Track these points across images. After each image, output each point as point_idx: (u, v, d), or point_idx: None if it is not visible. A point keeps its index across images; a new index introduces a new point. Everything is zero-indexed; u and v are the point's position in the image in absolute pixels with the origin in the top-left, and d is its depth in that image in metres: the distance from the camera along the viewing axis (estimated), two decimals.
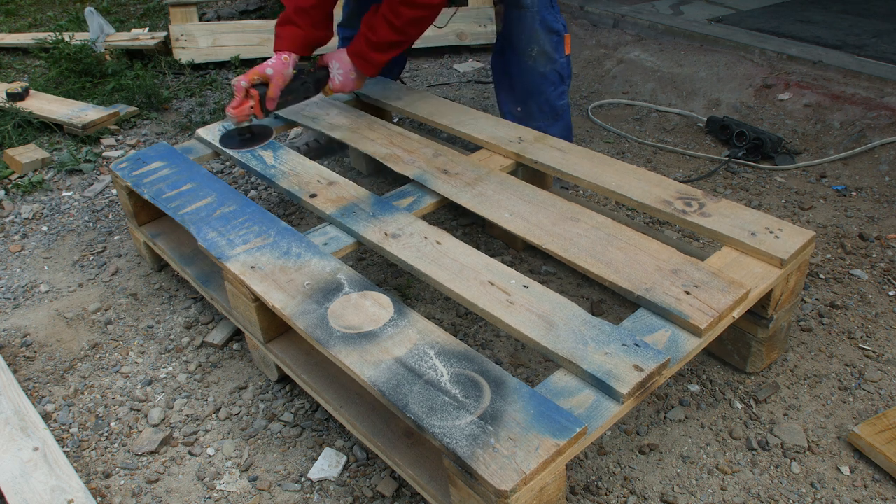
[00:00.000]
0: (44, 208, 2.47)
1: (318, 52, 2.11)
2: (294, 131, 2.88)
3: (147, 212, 2.01)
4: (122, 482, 1.47)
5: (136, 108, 3.11)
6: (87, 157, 2.75)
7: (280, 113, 2.22)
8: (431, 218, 2.21)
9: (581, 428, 1.10)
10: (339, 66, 2.03)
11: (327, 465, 1.46)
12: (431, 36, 3.67)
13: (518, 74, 2.13)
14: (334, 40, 2.19)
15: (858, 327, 1.75)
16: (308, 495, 1.41)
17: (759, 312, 1.50)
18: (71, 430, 1.60)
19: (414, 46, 3.67)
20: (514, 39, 2.09)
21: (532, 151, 1.87)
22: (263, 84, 1.93)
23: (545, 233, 1.56)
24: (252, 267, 1.50)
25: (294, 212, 2.34)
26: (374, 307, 1.36)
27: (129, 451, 1.54)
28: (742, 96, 2.91)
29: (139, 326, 1.90)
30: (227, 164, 2.68)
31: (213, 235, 1.62)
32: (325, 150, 2.45)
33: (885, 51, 3.05)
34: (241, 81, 1.90)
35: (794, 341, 1.72)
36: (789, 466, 1.42)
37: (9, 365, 1.76)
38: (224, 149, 2.00)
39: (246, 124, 1.99)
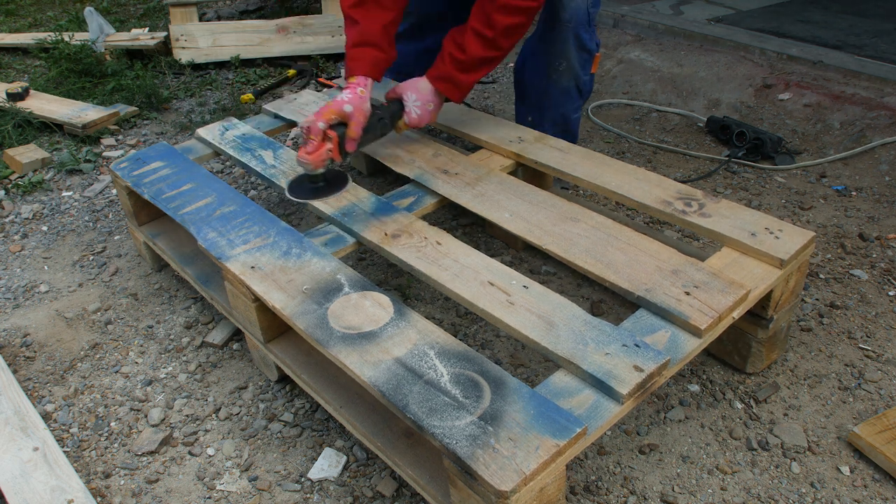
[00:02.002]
0: (44, 208, 2.47)
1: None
2: (294, 131, 2.88)
3: (147, 212, 2.01)
4: (122, 482, 1.47)
5: (136, 108, 3.11)
6: (87, 157, 2.75)
7: (281, 113, 2.22)
8: (431, 218, 2.21)
9: (581, 428, 1.10)
10: (417, 97, 1.80)
11: (327, 465, 1.46)
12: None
13: (538, 84, 2.08)
14: None
15: (858, 327, 1.75)
16: (308, 495, 1.41)
17: (759, 313, 1.50)
18: (71, 430, 1.60)
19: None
20: (543, 50, 2.02)
21: (532, 151, 1.87)
22: (341, 123, 1.72)
23: (545, 233, 1.56)
24: (252, 267, 1.50)
25: (294, 212, 2.34)
26: (374, 307, 1.36)
27: (129, 451, 1.54)
28: (742, 96, 2.91)
29: (139, 326, 1.90)
30: (227, 164, 2.68)
31: (213, 235, 1.62)
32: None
33: (885, 51, 3.05)
34: (317, 123, 1.67)
35: (794, 341, 1.72)
36: (789, 466, 1.42)
37: (9, 365, 1.76)
38: (293, 198, 1.77)
39: (320, 171, 1.74)
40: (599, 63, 2.15)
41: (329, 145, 1.70)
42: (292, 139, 2.64)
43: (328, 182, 1.78)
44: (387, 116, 1.82)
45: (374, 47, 1.75)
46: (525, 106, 2.19)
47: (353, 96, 1.70)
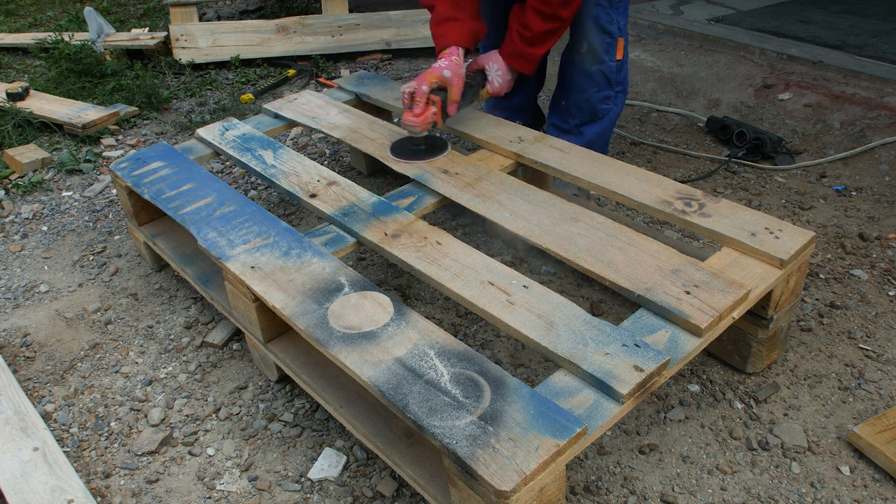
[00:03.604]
0: (44, 208, 2.47)
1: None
2: (294, 131, 2.88)
3: (147, 212, 2.01)
4: (122, 482, 1.47)
5: (136, 108, 3.11)
6: (87, 157, 2.75)
7: (281, 113, 2.22)
8: (431, 218, 2.21)
9: (581, 428, 1.10)
10: (497, 67, 1.96)
11: (327, 465, 1.46)
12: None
13: (567, 68, 2.10)
14: None
15: (858, 327, 1.75)
16: (308, 495, 1.41)
17: (759, 313, 1.50)
18: (71, 430, 1.60)
19: (413, 47, 3.69)
20: (570, 32, 2.06)
21: (532, 151, 1.87)
22: (441, 88, 1.83)
23: (545, 233, 1.56)
24: (252, 267, 1.50)
25: (294, 212, 2.34)
26: (373, 307, 1.36)
27: (129, 451, 1.54)
28: (742, 96, 2.91)
29: (139, 326, 1.90)
30: (227, 164, 2.68)
31: (213, 235, 1.62)
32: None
33: (885, 51, 3.05)
34: (421, 86, 1.79)
35: (794, 341, 1.72)
36: (789, 466, 1.42)
37: (9, 365, 1.76)
38: (396, 158, 1.88)
39: (424, 133, 1.84)
40: None
41: (434, 108, 1.81)
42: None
43: (428, 146, 1.90)
44: (476, 84, 1.95)
45: (454, 20, 1.89)
46: (559, 90, 2.20)
47: (450, 63, 1.82)
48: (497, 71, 1.96)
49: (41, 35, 3.95)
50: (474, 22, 1.91)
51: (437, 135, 1.94)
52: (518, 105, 2.42)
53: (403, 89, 1.83)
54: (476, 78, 1.96)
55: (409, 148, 1.90)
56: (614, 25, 2.01)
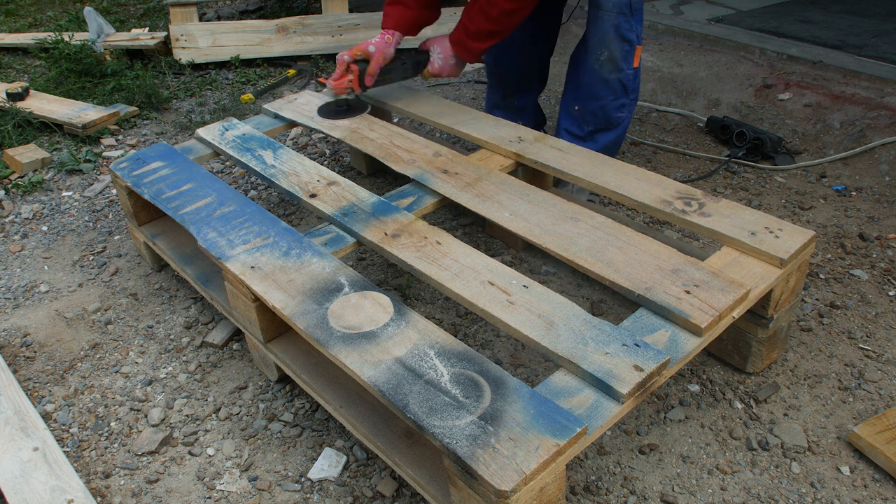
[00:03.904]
0: (44, 208, 2.47)
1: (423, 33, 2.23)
2: (294, 131, 2.88)
3: (147, 212, 2.01)
4: (122, 482, 1.47)
5: (136, 108, 3.11)
6: (87, 157, 2.75)
7: (281, 113, 2.22)
8: (431, 218, 2.21)
9: (581, 428, 1.10)
10: (441, 50, 2.09)
11: (327, 465, 1.46)
12: (431, 36, 3.67)
13: (584, 74, 2.10)
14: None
15: (858, 327, 1.75)
16: (308, 495, 1.41)
17: (759, 312, 1.50)
18: (71, 430, 1.60)
19: (414, 46, 3.68)
20: (588, 39, 2.05)
21: (532, 151, 1.87)
22: (365, 60, 2.03)
23: (545, 232, 1.56)
24: (252, 267, 1.50)
25: (294, 212, 2.34)
26: (373, 307, 1.36)
27: (129, 451, 1.54)
28: (742, 96, 2.91)
29: (139, 326, 1.90)
30: (227, 164, 2.68)
31: (213, 235, 1.62)
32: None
33: (885, 51, 3.05)
34: (343, 56, 2.01)
35: (794, 341, 1.72)
36: (789, 466, 1.42)
37: (9, 365, 1.76)
38: (320, 118, 2.13)
39: (343, 97, 2.11)
40: None
41: (350, 76, 2.04)
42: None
43: (350, 107, 2.16)
44: (410, 62, 2.12)
45: (401, 5, 2.06)
46: (572, 95, 2.19)
47: (379, 41, 2.02)
48: (439, 54, 2.09)
49: (41, 35, 3.95)
50: (422, 11, 2.06)
51: (361, 100, 2.21)
52: (519, 106, 2.42)
53: (337, 56, 2.04)
54: (419, 56, 2.12)
55: (332, 108, 2.16)
56: (633, 33, 2.00)
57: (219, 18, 4.33)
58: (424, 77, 2.16)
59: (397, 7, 2.05)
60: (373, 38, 2.03)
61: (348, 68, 2.03)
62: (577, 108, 2.15)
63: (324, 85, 3.35)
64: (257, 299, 1.48)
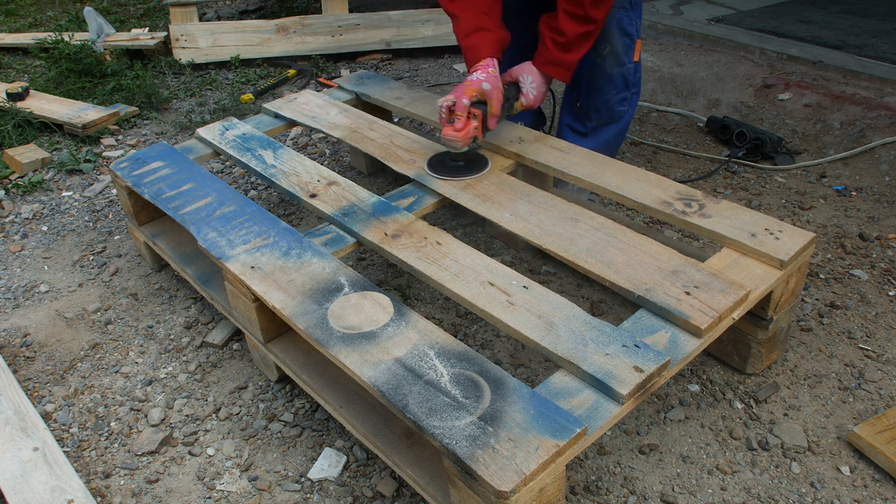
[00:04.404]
0: (44, 208, 2.47)
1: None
2: (294, 131, 2.88)
3: (147, 212, 2.01)
4: (122, 482, 1.47)
5: (136, 108, 3.11)
6: (87, 157, 2.75)
7: (281, 113, 2.22)
8: (431, 218, 2.21)
9: (581, 428, 1.10)
10: (532, 79, 1.88)
11: (327, 465, 1.46)
12: (431, 36, 3.68)
13: (586, 70, 2.09)
14: None
15: (858, 327, 1.75)
16: (308, 495, 1.41)
17: (759, 313, 1.50)
18: (71, 430, 1.60)
19: (413, 47, 3.69)
20: None
21: (532, 151, 1.87)
22: (481, 102, 1.78)
23: (545, 233, 1.56)
24: (252, 267, 1.50)
25: (294, 212, 2.34)
26: (373, 307, 1.36)
27: (129, 451, 1.54)
28: (742, 96, 2.91)
29: (139, 326, 1.90)
30: (227, 164, 2.68)
31: (213, 235, 1.62)
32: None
33: (885, 51, 3.05)
34: (462, 99, 1.73)
35: (794, 341, 1.72)
36: (789, 466, 1.42)
37: (9, 365, 1.76)
38: (433, 174, 1.79)
39: (465, 149, 1.78)
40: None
41: (475, 123, 1.75)
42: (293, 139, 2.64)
43: (467, 162, 1.82)
44: (511, 97, 1.87)
45: (485, 31, 1.82)
46: (574, 91, 2.19)
47: (488, 75, 1.76)
48: (532, 83, 1.87)
49: (41, 35, 3.95)
50: (502, 31, 1.85)
51: (477, 150, 1.89)
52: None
53: (441, 103, 1.75)
54: (510, 90, 1.88)
55: (448, 164, 1.82)
56: (633, 27, 2.01)
57: (219, 18, 4.33)
58: (513, 112, 1.92)
59: (482, 35, 1.82)
60: (473, 76, 1.76)
61: (469, 114, 1.74)
62: (579, 104, 2.16)
63: (324, 84, 3.36)
64: (257, 299, 1.48)
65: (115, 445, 1.55)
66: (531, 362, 1.69)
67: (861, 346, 1.70)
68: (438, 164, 1.83)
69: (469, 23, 1.82)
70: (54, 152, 2.82)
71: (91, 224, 2.37)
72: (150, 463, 1.51)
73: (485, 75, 1.76)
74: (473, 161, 1.83)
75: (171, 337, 1.85)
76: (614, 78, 2.06)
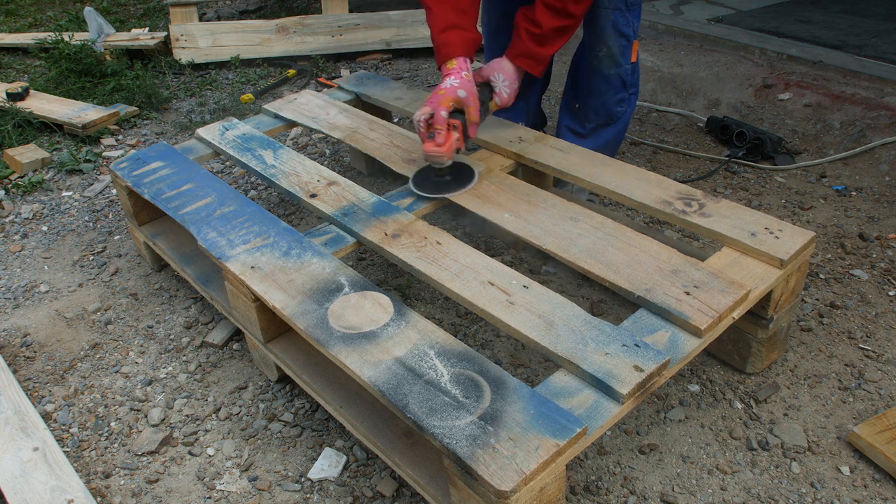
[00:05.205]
0: (44, 208, 2.47)
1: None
2: (294, 131, 2.88)
3: (147, 212, 2.01)
4: (122, 482, 1.47)
5: (136, 108, 3.11)
6: (87, 157, 2.75)
7: (281, 113, 2.22)
8: (431, 218, 2.21)
9: (581, 428, 1.10)
10: (505, 77, 1.82)
11: (327, 465, 1.46)
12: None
13: (583, 72, 2.09)
14: None
15: (858, 327, 1.75)
16: (308, 495, 1.41)
17: (759, 313, 1.50)
18: (71, 430, 1.60)
19: (414, 47, 3.69)
20: (586, 36, 2.05)
21: (532, 151, 1.87)
22: (458, 111, 1.71)
23: (545, 233, 1.56)
24: (252, 267, 1.50)
25: (294, 212, 2.34)
26: (373, 307, 1.36)
27: (129, 451, 1.54)
28: (742, 96, 2.91)
29: (139, 326, 1.90)
30: (227, 164, 2.68)
31: (213, 235, 1.62)
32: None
33: (885, 51, 3.05)
34: (440, 112, 1.66)
35: (794, 341, 1.72)
36: (789, 466, 1.42)
37: (9, 365, 1.76)
38: (420, 192, 1.74)
39: (448, 163, 1.71)
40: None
41: (456, 135, 1.69)
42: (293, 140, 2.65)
43: (454, 175, 1.75)
44: (485, 99, 1.81)
45: (459, 29, 1.76)
46: (573, 92, 2.19)
47: (462, 81, 1.70)
48: (504, 81, 1.83)
49: (41, 35, 3.95)
50: (476, 33, 1.80)
51: (462, 161, 1.82)
52: (522, 107, 2.42)
53: (417, 117, 1.69)
54: (483, 92, 1.81)
55: (433, 179, 1.75)
56: (630, 28, 2.00)
57: (219, 18, 4.33)
58: (489, 113, 1.86)
59: (456, 33, 1.76)
60: (447, 82, 1.70)
61: (449, 126, 1.69)
62: (577, 105, 2.16)
63: (324, 84, 3.35)
64: (257, 299, 1.48)
65: (115, 445, 1.55)
66: (531, 362, 1.69)
67: (861, 346, 1.70)
68: (424, 179, 1.77)
69: (445, 18, 1.76)
70: (54, 152, 2.82)
71: (91, 224, 2.37)
72: (150, 463, 1.50)
73: (459, 81, 1.70)
74: (459, 173, 1.76)
75: (171, 337, 1.85)
76: (611, 79, 2.06)
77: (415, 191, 1.75)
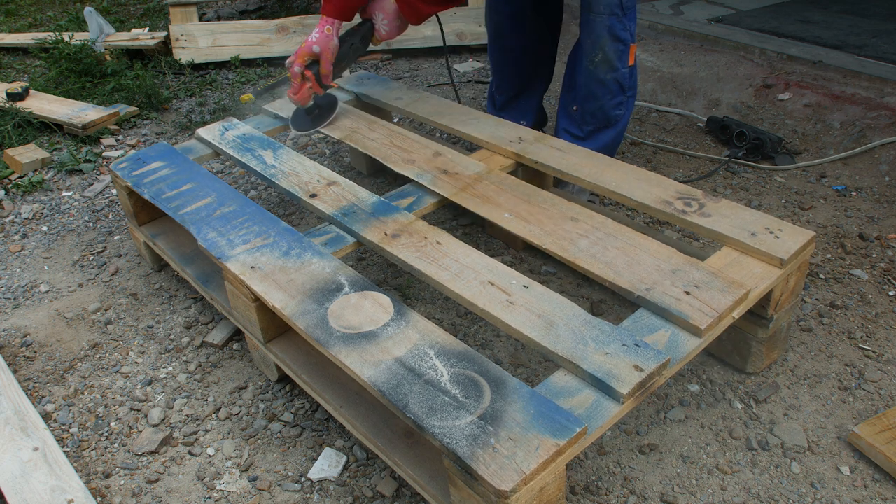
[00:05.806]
0: (44, 208, 2.47)
1: None
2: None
3: (147, 212, 2.01)
4: (122, 482, 1.47)
5: (136, 108, 3.11)
6: (87, 157, 2.75)
7: (281, 113, 2.22)
8: (431, 218, 2.21)
9: (581, 428, 1.10)
10: (384, 15, 2.02)
11: (327, 465, 1.46)
12: (431, 36, 3.67)
13: (580, 76, 2.10)
14: None
15: (858, 327, 1.75)
16: (308, 495, 1.41)
17: (759, 313, 1.50)
18: (71, 430, 1.60)
19: (413, 47, 3.69)
20: (582, 42, 2.06)
21: (532, 151, 1.87)
22: (315, 62, 1.98)
23: (545, 233, 1.56)
24: (252, 267, 1.50)
25: (294, 212, 2.34)
26: (373, 307, 1.36)
27: (129, 451, 1.54)
28: (742, 96, 2.91)
29: (139, 326, 1.90)
30: (227, 164, 2.68)
31: (213, 235, 1.62)
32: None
33: (885, 51, 3.05)
34: (294, 67, 1.95)
35: (794, 341, 1.72)
36: (789, 466, 1.42)
37: (9, 365, 1.76)
38: (298, 131, 2.10)
39: (310, 104, 2.06)
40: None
41: (309, 84, 1.99)
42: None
43: (321, 108, 2.11)
44: (357, 40, 2.06)
45: None
46: (569, 96, 2.19)
47: (321, 36, 1.95)
48: (383, 20, 2.03)
49: (41, 35, 3.95)
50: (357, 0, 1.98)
51: (328, 97, 2.14)
52: (523, 107, 2.42)
53: (287, 65, 1.98)
54: (363, 29, 2.05)
55: (306, 118, 2.10)
56: (627, 32, 2.00)
57: (219, 18, 4.33)
58: (375, 44, 2.12)
59: None
60: (312, 34, 1.96)
61: (303, 77, 1.98)
62: (575, 108, 2.16)
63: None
64: (257, 299, 1.48)
65: (115, 445, 1.55)
66: (531, 362, 1.69)
67: (861, 346, 1.70)
68: (299, 120, 2.11)
69: None
70: (54, 152, 2.82)
71: (91, 224, 2.37)
72: (150, 463, 1.51)
73: (318, 36, 1.94)
74: (325, 106, 2.12)
75: (171, 337, 1.85)
76: (608, 84, 2.06)
77: (293, 129, 2.11)
